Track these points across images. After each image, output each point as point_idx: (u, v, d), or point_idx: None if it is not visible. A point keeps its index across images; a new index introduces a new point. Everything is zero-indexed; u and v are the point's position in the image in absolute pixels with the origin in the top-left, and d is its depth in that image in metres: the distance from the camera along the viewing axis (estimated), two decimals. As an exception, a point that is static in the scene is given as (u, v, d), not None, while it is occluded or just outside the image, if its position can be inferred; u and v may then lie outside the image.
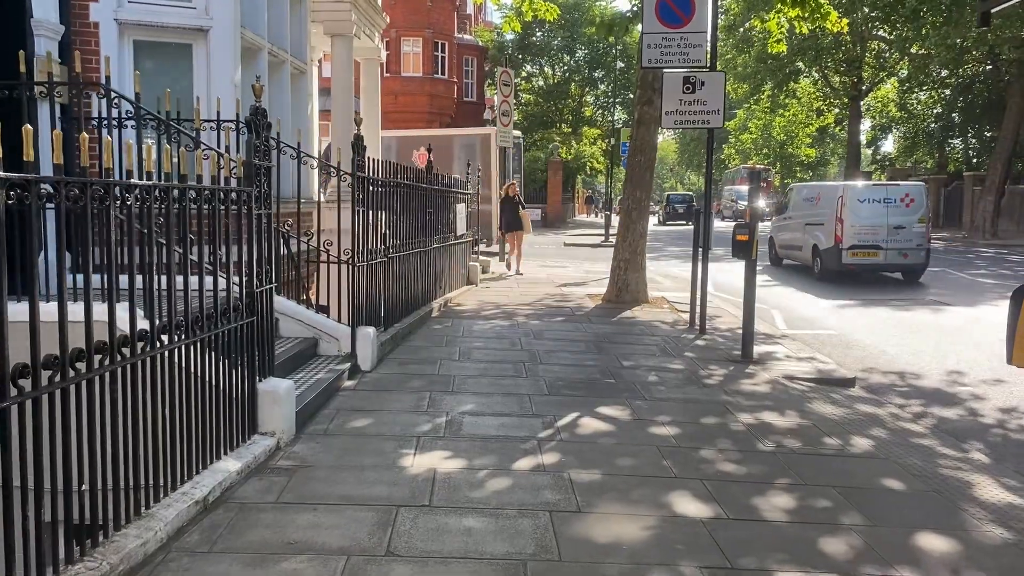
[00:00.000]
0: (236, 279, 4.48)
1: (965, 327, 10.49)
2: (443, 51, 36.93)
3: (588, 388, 6.52)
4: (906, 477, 4.73)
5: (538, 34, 43.26)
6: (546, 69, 46.98)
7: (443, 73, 36.99)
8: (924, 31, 27.68)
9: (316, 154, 11.75)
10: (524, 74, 44.39)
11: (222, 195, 4.22)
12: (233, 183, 4.48)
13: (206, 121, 6.23)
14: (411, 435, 5.08)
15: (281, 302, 6.62)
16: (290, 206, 7.56)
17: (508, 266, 15.34)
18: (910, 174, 42.56)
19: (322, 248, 6.76)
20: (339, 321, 6.98)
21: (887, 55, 38.06)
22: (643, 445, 5.10)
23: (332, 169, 6.75)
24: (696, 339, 8.80)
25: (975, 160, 38.91)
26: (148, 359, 3.52)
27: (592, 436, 5.24)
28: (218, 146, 6.03)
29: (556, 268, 16.75)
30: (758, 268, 7.97)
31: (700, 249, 9.13)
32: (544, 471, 4.53)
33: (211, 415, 4.15)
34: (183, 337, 3.82)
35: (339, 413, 5.53)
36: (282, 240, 6.79)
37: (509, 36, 42.82)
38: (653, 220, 44.13)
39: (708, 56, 8.97)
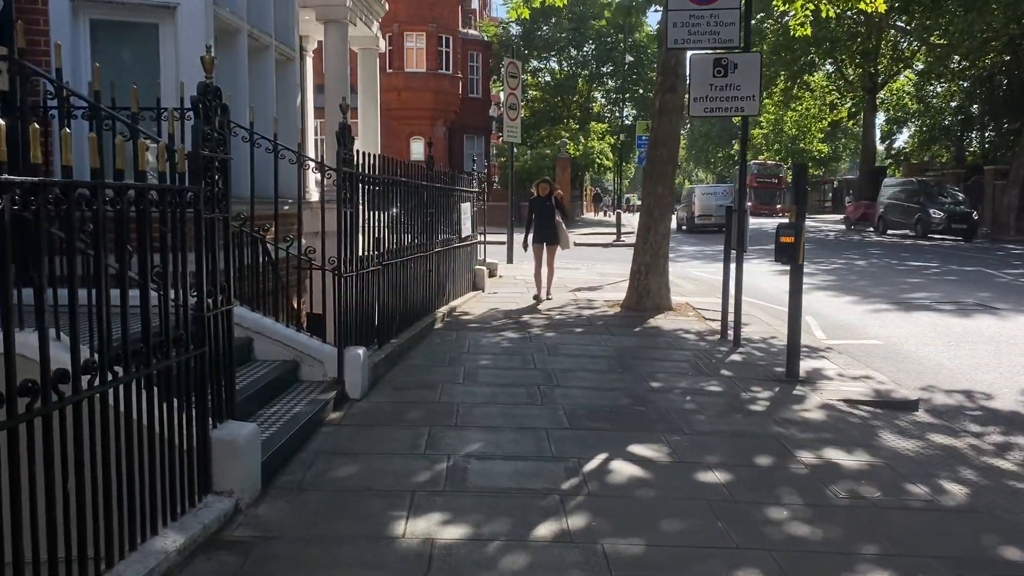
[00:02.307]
0: (188, 300, 3.54)
1: (1022, 335, 9.50)
2: (447, 46, 35.97)
3: (615, 418, 5.56)
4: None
5: (544, 28, 42.23)
6: (552, 64, 45.98)
7: (448, 69, 36.03)
8: (944, 20, 26.63)
9: (312, 151, 10.84)
10: (530, 68, 43.37)
11: (155, 195, 3.28)
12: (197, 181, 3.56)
13: (162, 110, 5.30)
14: (404, 489, 4.12)
15: (256, 320, 5.69)
16: (270, 208, 6.63)
17: (539, 296, 11.22)
18: (927, 168, 41.47)
19: (303, 256, 5.81)
20: (324, 340, 6.03)
21: (904, 46, 36.96)
22: (690, 499, 4.14)
23: (313, 163, 5.79)
24: (731, 353, 7.83)
25: (993, 154, 37.71)
26: (39, 419, 2.59)
27: (626, 487, 4.28)
28: (181, 139, 5.12)
29: (568, 270, 15.76)
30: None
31: (733, 251, 8.15)
32: (571, 542, 3.57)
33: (145, 478, 3.22)
34: (95, 383, 2.88)
35: (319, 457, 4.58)
36: (260, 247, 5.86)
37: (515, 31, 41.85)
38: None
39: (741, 35, 8.00)
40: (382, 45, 13.79)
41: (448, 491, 4.11)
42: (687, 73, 8.95)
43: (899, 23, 33.52)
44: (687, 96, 8.72)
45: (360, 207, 6.13)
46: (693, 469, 4.58)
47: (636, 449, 4.86)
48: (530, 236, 11.37)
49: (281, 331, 5.72)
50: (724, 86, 7.89)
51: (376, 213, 6.73)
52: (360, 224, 6.20)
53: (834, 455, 4.93)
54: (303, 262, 5.83)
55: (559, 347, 7.90)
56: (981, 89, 37.05)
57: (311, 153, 9.97)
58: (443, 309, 9.36)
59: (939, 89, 40.97)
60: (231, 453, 3.78)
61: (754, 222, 22.54)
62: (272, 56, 8.36)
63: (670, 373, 6.93)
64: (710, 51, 8.13)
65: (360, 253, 6.20)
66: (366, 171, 6.19)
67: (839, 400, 6.25)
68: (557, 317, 9.88)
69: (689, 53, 8.64)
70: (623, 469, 4.52)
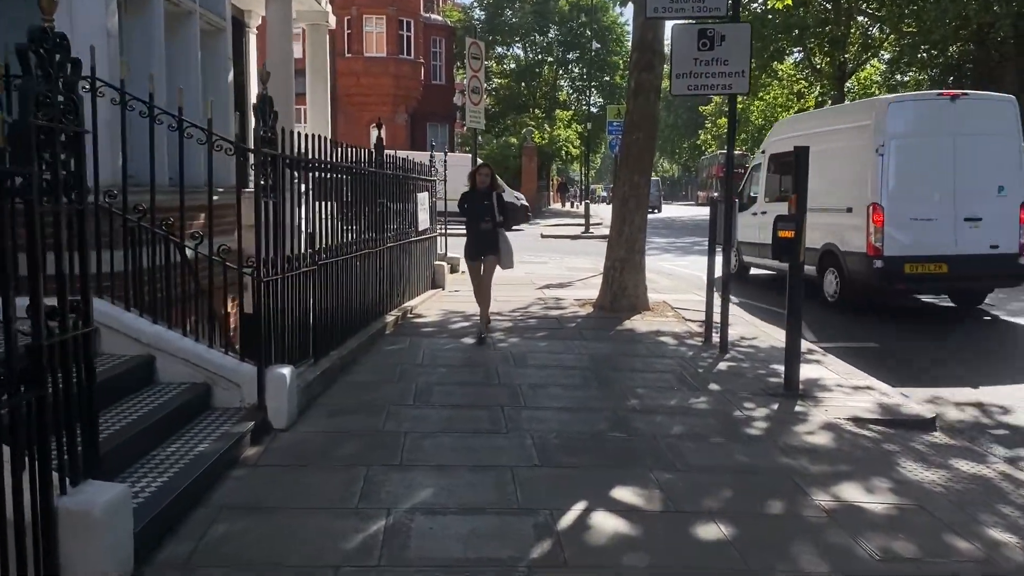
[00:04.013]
0: (12, 324, 2.56)
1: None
2: (409, 30, 34.76)
3: (594, 450, 4.66)
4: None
5: (508, 12, 41.20)
6: (517, 51, 45.01)
7: (409, 54, 34.82)
8: (916, 7, 26.17)
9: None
10: (495, 55, 42.33)
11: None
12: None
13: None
14: (327, 562, 3.18)
15: (158, 334, 4.69)
16: (198, 198, 5.55)
17: (480, 337, 7.58)
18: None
19: (216, 256, 4.82)
20: (242, 358, 4.99)
21: (875, 33, 36.63)
22: (693, 568, 3.26)
23: (224, 143, 4.80)
24: (718, 361, 6.98)
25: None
26: None
27: (612, 551, 3.39)
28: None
29: (535, 264, 14.85)
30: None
31: (720, 247, 7.31)
32: (543, 646, 2.67)
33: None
34: None
35: (221, 515, 3.60)
36: (164, 245, 4.85)
37: (478, 15, 40.78)
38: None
39: (729, 3, 7.13)
40: (332, 20, 12.69)
41: (384, 565, 3.17)
42: (667, 48, 8.07)
43: (869, 9, 33.13)
44: (667, 74, 7.84)
45: (288, 197, 5.14)
46: (691, 520, 3.70)
47: (621, 494, 3.97)
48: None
49: (189, 347, 4.71)
50: (710, 60, 7.01)
51: (311, 204, 5.76)
52: (289, 217, 5.22)
53: (854, 495, 4.11)
54: (215, 263, 4.83)
55: (527, 356, 6.97)
56: (948, 79, 36.86)
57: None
58: (396, 312, 8.39)
59: (907, 78, 40.74)
60: (85, 527, 2.81)
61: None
62: (196, 25, 7.31)
63: (653, 388, 6.06)
64: (694, 21, 7.26)
65: (290, 251, 5.22)
66: (294, 153, 5.20)
67: (846, 419, 5.45)
68: (523, 319, 8.94)
69: (669, 24, 7.75)
70: (606, 524, 3.63)
